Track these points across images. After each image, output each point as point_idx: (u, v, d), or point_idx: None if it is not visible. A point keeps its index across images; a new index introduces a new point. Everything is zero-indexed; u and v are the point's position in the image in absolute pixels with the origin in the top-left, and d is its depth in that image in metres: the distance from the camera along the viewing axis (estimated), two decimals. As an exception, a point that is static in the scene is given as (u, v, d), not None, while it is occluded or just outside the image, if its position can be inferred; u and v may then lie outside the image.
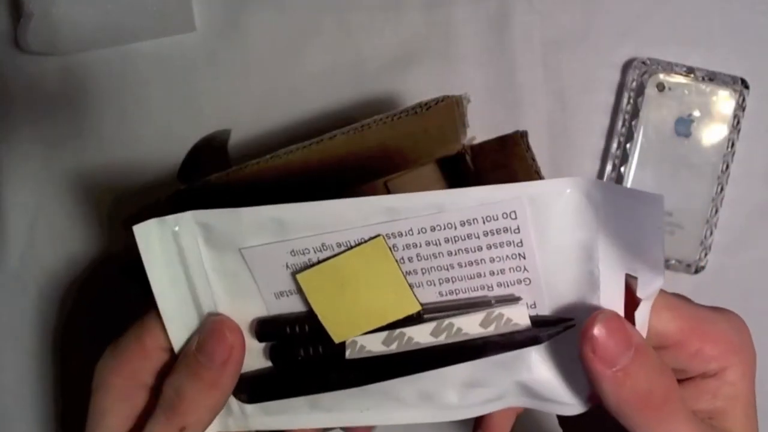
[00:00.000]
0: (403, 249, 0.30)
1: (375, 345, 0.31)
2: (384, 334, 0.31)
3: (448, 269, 0.31)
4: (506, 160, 0.43)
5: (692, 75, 0.52)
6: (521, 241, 0.30)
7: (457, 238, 0.30)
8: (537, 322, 0.31)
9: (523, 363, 0.32)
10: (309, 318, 0.31)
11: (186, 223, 0.30)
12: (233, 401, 0.33)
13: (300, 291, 0.31)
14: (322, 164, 0.43)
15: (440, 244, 0.30)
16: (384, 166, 0.48)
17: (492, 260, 0.30)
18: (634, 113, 0.52)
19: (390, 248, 0.30)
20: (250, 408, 0.33)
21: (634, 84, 0.52)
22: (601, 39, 0.54)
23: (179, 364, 0.30)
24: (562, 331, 0.30)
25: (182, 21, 0.53)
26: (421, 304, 0.31)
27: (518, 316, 0.30)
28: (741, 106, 0.52)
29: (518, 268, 0.30)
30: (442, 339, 0.31)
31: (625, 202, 0.29)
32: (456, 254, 0.30)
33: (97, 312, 0.53)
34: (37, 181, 0.53)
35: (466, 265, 0.30)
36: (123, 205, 0.53)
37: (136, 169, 0.53)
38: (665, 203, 0.51)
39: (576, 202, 0.29)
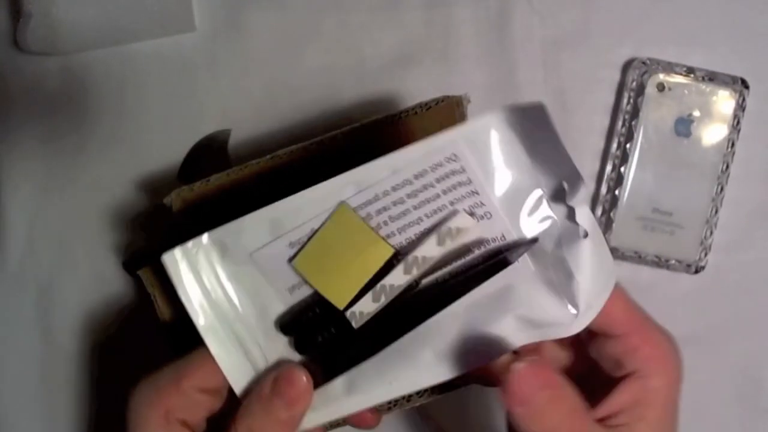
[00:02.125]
0: (376, 214, 0.33)
1: (368, 306, 0.33)
2: (371, 293, 0.33)
3: (418, 222, 0.34)
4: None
5: (692, 75, 0.52)
6: (469, 179, 0.33)
7: (416, 192, 0.33)
8: (504, 246, 0.34)
9: (515, 296, 0.34)
10: (317, 302, 0.34)
11: (203, 245, 0.33)
12: None
13: (304, 278, 0.34)
14: (322, 164, 0.43)
15: (405, 201, 0.33)
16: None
17: (451, 203, 0.33)
18: (634, 113, 0.52)
19: (353, 209, 0.33)
20: None
21: (634, 84, 0.52)
22: (601, 39, 0.54)
23: (252, 405, 0.33)
24: (528, 247, 0.33)
25: (182, 21, 0.53)
26: (396, 249, 0.34)
27: (462, 222, 0.33)
28: (741, 106, 0.52)
29: (475, 205, 0.33)
30: (415, 273, 0.33)
31: (533, 122, 0.32)
32: (420, 206, 0.33)
33: (97, 312, 0.53)
34: (37, 181, 0.53)
35: (432, 214, 0.33)
36: (123, 205, 0.53)
37: (136, 168, 0.53)
38: (665, 203, 0.51)
39: (502, 134, 0.32)
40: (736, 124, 0.52)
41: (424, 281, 0.35)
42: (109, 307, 0.53)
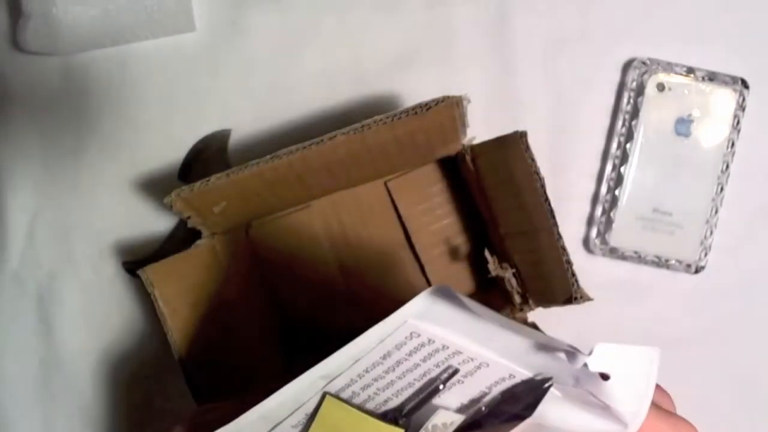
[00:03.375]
0: (362, 390, 0.31)
1: None
2: None
3: (410, 386, 0.31)
4: (505, 160, 0.43)
5: (692, 75, 0.52)
6: (444, 345, 0.30)
7: (392, 368, 0.31)
8: (521, 386, 0.31)
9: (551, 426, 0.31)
10: None
11: None
12: None
13: None
14: (322, 165, 0.43)
15: (383, 376, 0.31)
16: (384, 166, 0.48)
17: (437, 366, 0.31)
18: (634, 113, 0.52)
19: (342, 399, 0.31)
20: None
21: (634, 84, 0.52)
22: (601, 39, 0.54)
23: None
24: (544, 392, 0.30)
25: (182, 21, 0.53)
26: (404, 427, 0.32)
27: (444, 418, 0.31)
28: (741, 106, 0.52)
29: (465, 361, 0.31)
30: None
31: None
32: (404, 375, 0.31)
33: (97, 312, 0.53)
34: (37, 181, 0.53)
35: (422, 377, 0.31)
36: (123, 204, 0.53)
37: (136, 168, 0.53)
38: (666, 203, 0.51)
39: (447, 302, 0.30)
40: (736, 124, 0.52)
41: None
42: (109, 308, 0.53)
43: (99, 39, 0.52)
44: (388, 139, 0.43)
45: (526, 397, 0.31)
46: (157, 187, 0.53)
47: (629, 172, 0.52)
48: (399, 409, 0.32)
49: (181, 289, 0.41)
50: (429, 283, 0.51)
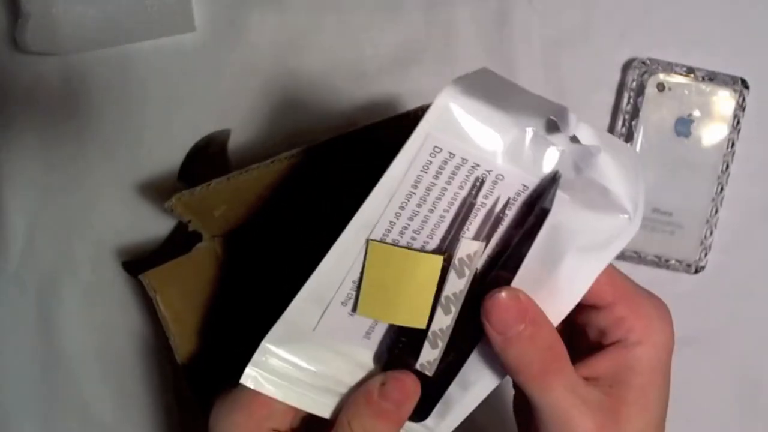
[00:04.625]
0: (401, 236, 0.33)
1: (444, 320, 0.33)
2: (439, 307, 0.33)
3: (441, 220, 0.33)
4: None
5: (692, 75, 0.52)
6: (463, 159, 0.31)
7: (423, 198, 0.32)
8: (534, 195, 0.33)
9: (565, 233, 0.33)
10: (398, 333, 0.35)
11: (268, 350, 0.34)
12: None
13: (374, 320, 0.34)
14: (323, 166, 0.43)
15: (418, 212, 0.32)
16: (385, 167, 0.48)
17: (460, 187, 0.32)
18: (634, 113, 0.52)
19: (387, 243, 0.33)
20: (430, 422, 0.35)
21: (634, 84, 0.52)
22: (601, 39, 0.54)
23: (360, 407, 0.34)
24: (555, 184, 0.32)
25: (182, 21, 0.53)
26: (443, 255, 0.33)
27: (468, 248, 0.33)
28: (741, 106, 0.52)
29: (483, 175, 0.32)
30: (468, 274, 0.33)
31: (487, 84, 0.32)
32: (435, 208, 0.32)
33: (97, 312, 0.53)
34: (37, 181, 0.53)
35: (449, 206, 0.33)
36: (123, 204, 0.53)
37: (136, 168, 0.53)
38: (666, 203, 0.51)
39: (465, 105, 0.31)
40: (736, 124, 0.52)
41: (480, 268, 0.34)
42: (109, 308, 0.53)
43: (99, 39, 0.52)
44: (389, 140, 0.43)
45: (541, 201, 0.32)
46: (157, 187, 0.53)
47: (629, 172, 0.52)
48: (438, 249, 0.33)
49: (182, 293, 0.41)
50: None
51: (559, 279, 0.33)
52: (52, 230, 0.54)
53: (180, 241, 0.50)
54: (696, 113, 0.52)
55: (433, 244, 0.33)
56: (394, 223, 0.32)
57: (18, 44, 0.51)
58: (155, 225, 0.53)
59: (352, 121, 0.41)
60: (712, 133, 0.52)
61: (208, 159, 0.53)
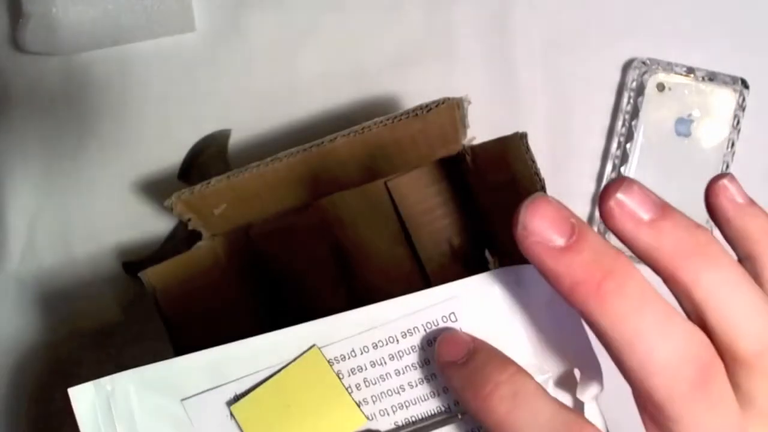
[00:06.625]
0: (348, 375, 0.28)
1: None
2: None
3: (399, 392, 0.28)
4: (506, 161, 0.43)
5: (692, 75, 0.52)
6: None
7: (401, 353, 0.28)
8: None
9: None
10: None
11: (121, 383, 0.28)
12: None
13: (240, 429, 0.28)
14: (323, 167, 0.43)
15: (386, 363, 0.28)
16: (384, 166, 0.48)
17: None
18: (634, 113, 0.52)
19: (327, 360, 0.28)
20: None
21: (634, 84, 0.52)
22: (601, 39, 0.54)
23: None
24: None
25: (182, 21, 0.53)
26: (368, 418, 0.28)
27: None
28: (741, 106, 0.52)
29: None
30: None
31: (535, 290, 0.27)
32: (404, 372, 0.28)
33: (97, 312, 0.53)
34: (37, 181, 0.53)
35: (417, 384, 0.28)
36: (123, 204, 0.53)
37: (136, 168, 0.53)
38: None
39: (506, 295, 0.28)
40: (736, 124, 0.52)
41: None
42: (109, 307, 0.53)
43: (99, 39, 0.52)
44: (389, 141, 0.43)
45: None
46: (157, 187, 0.53)
47: (629, 172, 0.52)
48: (370, 414, 0.28)
49: (182, 291, 0.41)
50: (429, 284, 0.51)
51: None
52: (52, 230, 0.54)
53: (180, 239, 0.50)
54: (696, 113, 0.52)
55: (369, 410, 0.28)
56: (356, 354, 0.28)
57: (18, 44, 0.51)
58: (155, 224, 0.53)
59: (352, 121, 0.41)
60: (712, 133, 0.52)
61: (207, 159, 0.53)
